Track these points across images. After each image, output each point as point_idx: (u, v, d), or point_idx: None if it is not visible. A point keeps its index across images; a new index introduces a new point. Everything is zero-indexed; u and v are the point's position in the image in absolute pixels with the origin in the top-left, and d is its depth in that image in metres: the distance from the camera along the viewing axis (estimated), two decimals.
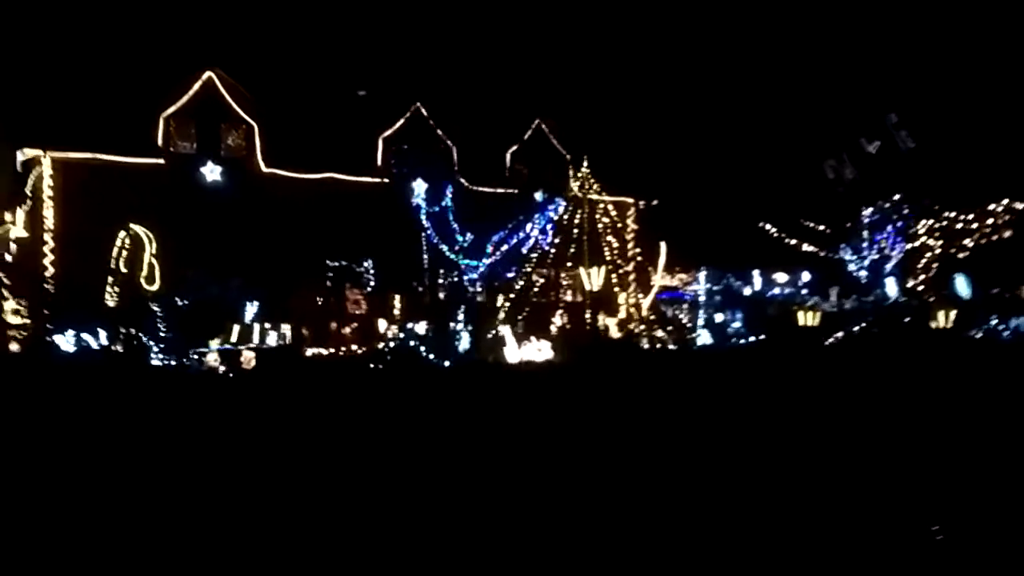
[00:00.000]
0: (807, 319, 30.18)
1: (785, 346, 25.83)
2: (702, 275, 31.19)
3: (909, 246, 30.62)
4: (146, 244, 21.64)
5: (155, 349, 19.57)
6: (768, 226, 31.54)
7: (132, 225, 21.76)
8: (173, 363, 19.42)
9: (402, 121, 31.15)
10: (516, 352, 24.60)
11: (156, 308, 19.77)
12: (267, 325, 25.89)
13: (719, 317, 33.77)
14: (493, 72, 34.34)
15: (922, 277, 30.55)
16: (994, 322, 27.91)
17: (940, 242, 30.06)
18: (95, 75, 25.37)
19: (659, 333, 29.36)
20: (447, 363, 22.06)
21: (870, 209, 30.76)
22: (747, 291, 33.77)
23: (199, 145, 27.44)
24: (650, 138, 35.93)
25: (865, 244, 30.86)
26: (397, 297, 29.16)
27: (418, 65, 32.29)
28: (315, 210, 28.12)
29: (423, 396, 15.78)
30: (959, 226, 29.71)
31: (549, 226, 29.13)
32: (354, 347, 24.50)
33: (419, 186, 27.74)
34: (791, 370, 19.56)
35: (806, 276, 33.39)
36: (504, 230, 28.15)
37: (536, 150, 34.34)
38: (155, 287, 21.39)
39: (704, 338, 29.28)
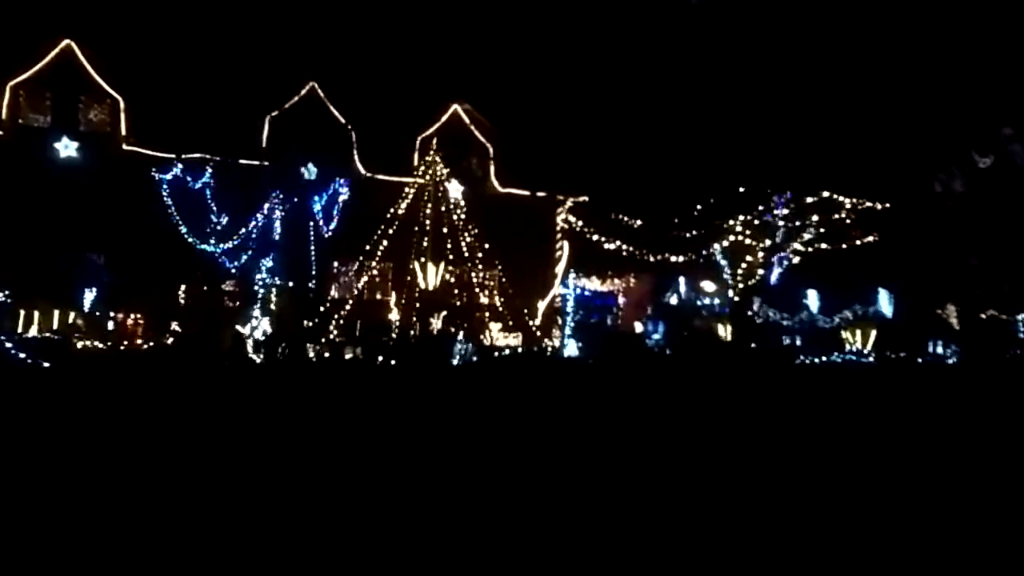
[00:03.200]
0: (726, 332, 27.41)
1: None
2: (570, 278, 28.48)
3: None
4: None
5: None
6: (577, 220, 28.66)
7: None
8: None
9: (294, 100, 28.85)
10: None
11: None
12: (112, 314, 23.90)
13: (638, 327, 31.19)
14: (409, 51, 31.96)
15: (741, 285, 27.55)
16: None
17: (760, 243, 27.03)
18: None
19: (554, 342, 26.79)
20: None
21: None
22: (672, 300, 31.08)
23: (54, 118, 25.34)
24: (588, 133, 33.13)
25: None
26: (274, 289, 26.92)
27: (317, 39, 29.85)
28: (184, 192, 26.01)
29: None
30: (783, 224, 26.73)
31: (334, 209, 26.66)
32: (140, 342, 22.26)
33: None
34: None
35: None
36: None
37: (452, 138, 31.82)
38: None
39: (571, 348, 26.55)
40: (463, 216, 27.05)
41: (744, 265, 28.09)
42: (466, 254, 26.83)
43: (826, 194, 26.93)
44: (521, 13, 32.09)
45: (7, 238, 22.97)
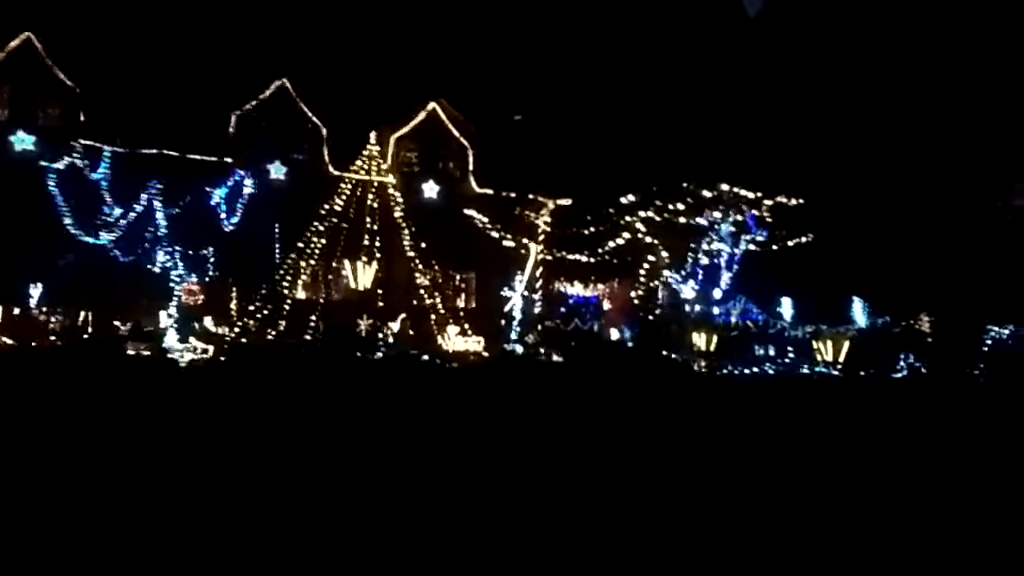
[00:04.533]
0: (699, 340, 26.22)
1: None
2: (518, 279, 27.60)
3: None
4: None
5: None
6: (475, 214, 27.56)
7: None
8: None
9: (263, 97, 28.28)
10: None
11: None
12: (59, 311, 23.57)
13: (615, 334, 30.16)
14: (386, 49, 31.29)
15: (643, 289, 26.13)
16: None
17: (664, 243, 25.70)
18: None
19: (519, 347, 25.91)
20: None
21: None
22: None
23: (11, 112, 25.06)
24: (564, 133, 32.09)
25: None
26: (235, 289, 26.38)
27: (290, 35, 29.28)
28: (142, 189, 25.59)
29: None
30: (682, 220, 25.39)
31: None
32: (53, 339, 21.76)
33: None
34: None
35: (717, 293, 29.38)
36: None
37: (429, 136, 31.10)
38: None
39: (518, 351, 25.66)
40: (401, 214, 26.30)
41: (647, 266, 26.91)
42: (410, 254, 26.05)
43: (725, 187, 25.64)
44: (497, 12, 31.31)
45: None
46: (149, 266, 23.99)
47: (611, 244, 26.97)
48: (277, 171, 28.00)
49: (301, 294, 26.64)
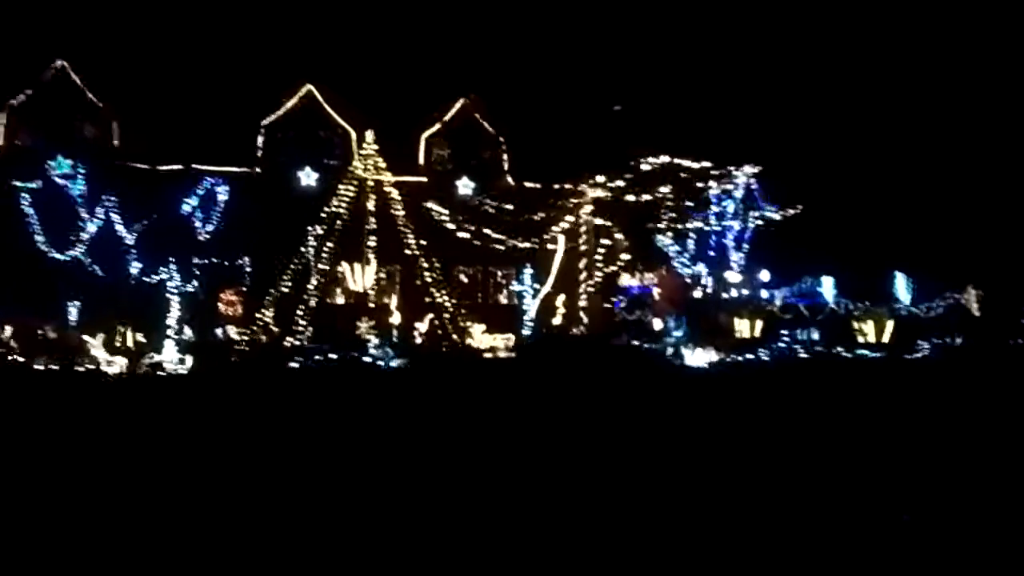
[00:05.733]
0: (742, 327, 24.90)
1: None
2: (527, 272, 26.64)
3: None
4: None
5: None
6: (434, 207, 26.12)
7: None
8: None
9: (289, 105, 28.47)
10: None
11: None
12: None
13: (658, 324, 28.96)
14: (412, 47, 31.10)
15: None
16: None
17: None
18: None
19: None
20: None
21: None
22: (696, 294, 28.66)
23: (48, 136, 26.04)
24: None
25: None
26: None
27: (312, 40, 29.49)
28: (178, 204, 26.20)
29: None
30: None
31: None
32: None
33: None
34: None
35: (765, 275, 27.83)
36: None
37: (462, 133, 30.69)
38: None
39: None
40: (402, 212, 25.86)
41: (602, 250, 25.45)
42: (412, 253, 25.60)
43: (666, 158, 23.94)
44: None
45: None
46: (170, 280, 24.39)
47: (555, 228, 25.89)
48: (307, 177, 28.21)
49: (314, 297, 26.51)
